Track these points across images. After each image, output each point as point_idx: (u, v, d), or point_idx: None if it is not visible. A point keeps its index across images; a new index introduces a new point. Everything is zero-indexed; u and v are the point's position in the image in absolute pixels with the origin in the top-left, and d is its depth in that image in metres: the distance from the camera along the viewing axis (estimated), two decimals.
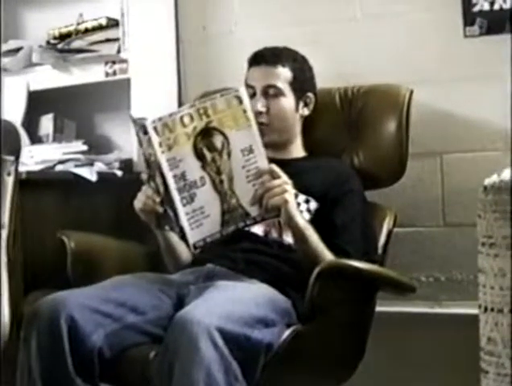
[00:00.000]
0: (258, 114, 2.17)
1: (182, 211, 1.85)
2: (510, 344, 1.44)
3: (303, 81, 2.29)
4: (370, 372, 2.19)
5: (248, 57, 2.30)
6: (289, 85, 2.25)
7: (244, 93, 1.88)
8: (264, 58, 2.26)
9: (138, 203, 2.01)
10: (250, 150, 1.88)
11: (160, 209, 1.94)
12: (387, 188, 2.34)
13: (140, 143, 1.92)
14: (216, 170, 1.87)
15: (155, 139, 1.82)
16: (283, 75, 2.24)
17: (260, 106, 2.22)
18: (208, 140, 1.85)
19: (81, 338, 1.81)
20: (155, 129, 1.82)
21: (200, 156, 1.85)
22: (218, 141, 1.86)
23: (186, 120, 1.83)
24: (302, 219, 1.99)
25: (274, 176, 1.91)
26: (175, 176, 1.84)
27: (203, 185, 1.86)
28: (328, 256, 1.99)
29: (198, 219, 1.86)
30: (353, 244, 2.07)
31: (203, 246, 1.91)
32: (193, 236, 1.87)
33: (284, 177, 1.92)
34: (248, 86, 2.25)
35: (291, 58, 2.28)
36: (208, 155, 1.86)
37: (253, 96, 2.23)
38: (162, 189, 1.89)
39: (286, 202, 1.90)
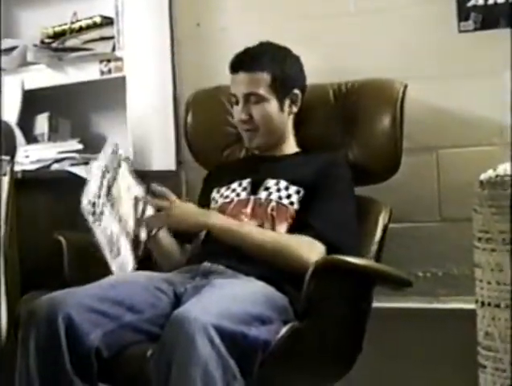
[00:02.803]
0: (242, 122, 2.25)
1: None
2: (508, 339, 1.44)
3: (285, 80, 2.25)
4: (368, 368, 2.19)
5: (229, 62, 2.28)
6: (270, 88, 2.22)
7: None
8: (241, 65, 2.24)
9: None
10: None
11: None
12: (383, 183, 2.34)
13: None
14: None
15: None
16: (263, 80, 2.22)
17: (243, 115, 2.25)
18: None
19: (79, 338, 1.81)
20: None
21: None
22: None
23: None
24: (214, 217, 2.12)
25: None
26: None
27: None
28: (275, 234, 2.08)
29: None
30: (320, 219, 2.07)
31: None
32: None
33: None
34: (230, 94, 2.29)
35: (270, 58, 2.24)
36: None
37: (236, 103, 2.27)
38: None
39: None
